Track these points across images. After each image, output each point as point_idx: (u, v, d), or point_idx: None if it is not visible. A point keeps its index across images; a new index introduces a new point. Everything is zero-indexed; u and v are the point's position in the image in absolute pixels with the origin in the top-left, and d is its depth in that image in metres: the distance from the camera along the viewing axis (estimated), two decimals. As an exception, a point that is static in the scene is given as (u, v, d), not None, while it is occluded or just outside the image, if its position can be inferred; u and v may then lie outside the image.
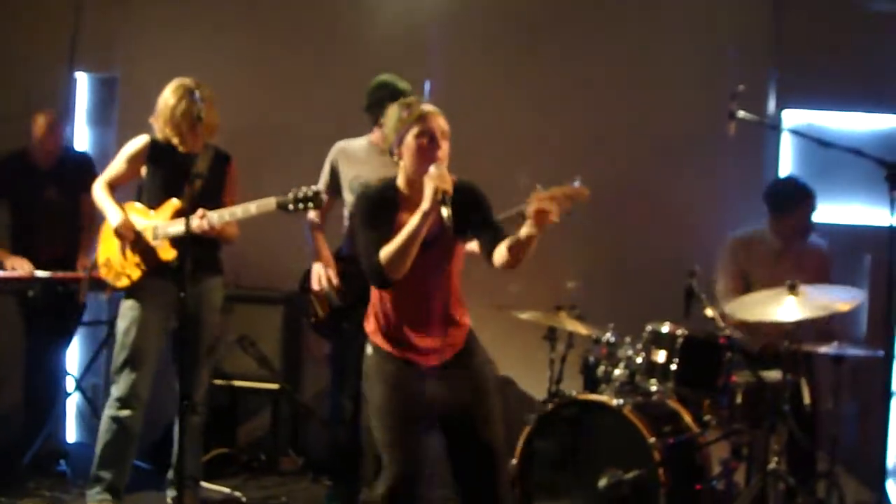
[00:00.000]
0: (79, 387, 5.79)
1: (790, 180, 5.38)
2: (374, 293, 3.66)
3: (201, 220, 4.47)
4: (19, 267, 5.30)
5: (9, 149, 5.61)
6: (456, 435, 3.65)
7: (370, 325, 3.70)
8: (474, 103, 5.69)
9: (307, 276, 4.94)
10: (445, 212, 3.35)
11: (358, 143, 4.89)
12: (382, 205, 3.56)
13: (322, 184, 4.87)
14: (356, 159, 4.84)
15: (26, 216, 5.52)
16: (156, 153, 4.75)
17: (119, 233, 4.63)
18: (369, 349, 3.70)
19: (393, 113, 3.60)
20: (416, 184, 3.51)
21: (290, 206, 4.33)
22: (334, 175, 4.87)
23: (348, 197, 4.82)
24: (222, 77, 5.76)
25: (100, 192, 4.78)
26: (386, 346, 3.64)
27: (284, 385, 5.80)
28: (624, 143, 5.80)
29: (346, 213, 4.89)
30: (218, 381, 5.71)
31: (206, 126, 4.60)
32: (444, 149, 3.51)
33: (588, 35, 5.95)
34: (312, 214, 4.86)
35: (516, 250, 3.38)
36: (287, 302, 5.75)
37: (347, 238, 4.89)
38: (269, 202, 4.39)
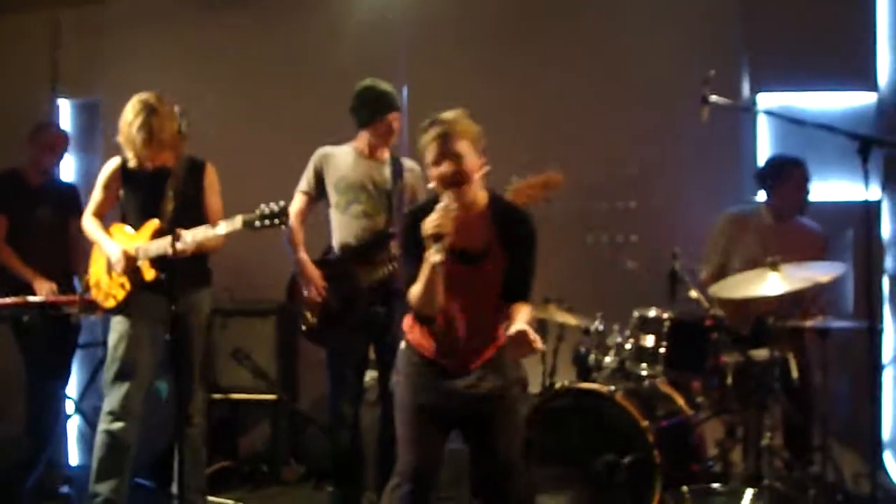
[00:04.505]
0: (78, 409, 5.83)
1: (778, 155, 5.45)
2: None
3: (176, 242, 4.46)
4: (45, 289, 5.36)
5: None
6: (472, 443, 3.70)
7: (407, 322, 3.74)
8: (450, 103, 5.75)
9: (293, 283, 5.00)
10: (437, 257, 3.35)
11: (341, 150, 4.97)
12: (417, 227, 3.49)
13: (305, 185, 4.95)
14: (340, 163, 4.92)
15: (21, 235, 5.58)
16: (129, 173, 4.79)
17: (119, 266, 4.66)
18: (403, 344, 3.75)
19: (421, 139, 3.57)
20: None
21: (257, 223, 4.34)
22: (318, 177, 4.94)
23: (334, 197, 4.90)
24: (202, 98, 5.83)
25: (89, 224, 4.85)
26: (416, 345, 3.69)
27: (281, 395, 5.84)
28: (601, 135, 5.83)
29: (331, 213, 4.94)
30: (216, 396, 5.75)
31: (165, 138, 4.62)
32: (445, 170, 3.45)
33: (559, 29, 5.99)
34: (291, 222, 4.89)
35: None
36: (279, 312, 5.80)
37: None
38: (236, 221, 4.41)
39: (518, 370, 3.77)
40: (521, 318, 3.40)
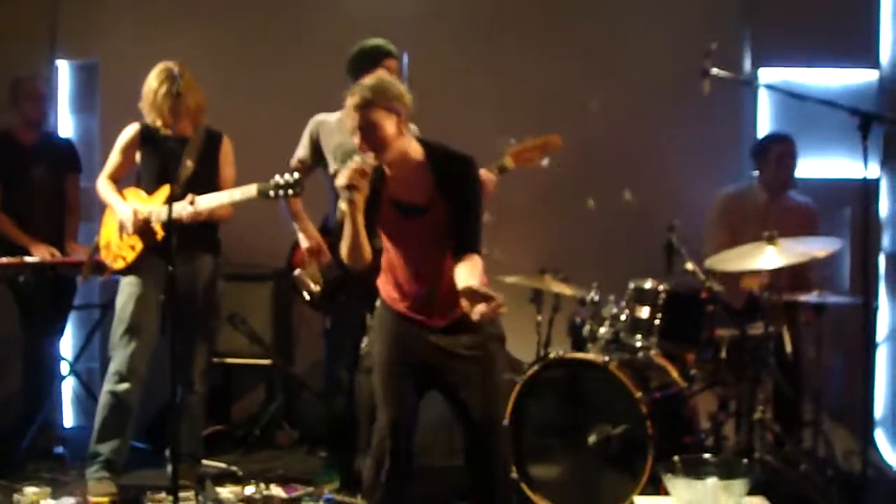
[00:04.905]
0: (73, 371, 5.85)
1: (769, 132, 5.55)
2: (384, 249, 3.71)
3: (190, 206, 4.52)
4: (43, 254, 5.34)
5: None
6: (452, 402, 3.70)
7: (381, 279, 3.76)
8: (450, 70, 5.77)
9: (294, 251, 4.99)
10: (343, 206, 3.41)
11: (335, 117, 4.93)
12: (372, 187, 3.53)
13: (300, 154, 4.91)
14: (336, 129, 4.88)
15: (16, 197, 5.53)
16: (147, 139, 4.82)
17: (129, 225, 4.68)
18: (378, 302, 3.78)
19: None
20: (391, 166, 3.52)
21: (271, 193, 4.41)
22: (315, 145, 4.91)
23: (333, 164, 4.85)
24: (200, 62, 5.79)
25: (103, 187, 4.87)
26: (390, 301, 3.71)
27: (276, 360, 5.86)
28: (601, 106, 5.82)
29: (330, 181, 4.91)
30: (211, 360, 5.77)
31: (188, 107, 4.64)
32: (361, 140, 3.45)
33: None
34: None
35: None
36: (276, 277, 5.80)
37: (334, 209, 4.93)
38: (251, 189, 4.48)
39: (495, 327, 3.73)
40: (468, 272, 3.36)
